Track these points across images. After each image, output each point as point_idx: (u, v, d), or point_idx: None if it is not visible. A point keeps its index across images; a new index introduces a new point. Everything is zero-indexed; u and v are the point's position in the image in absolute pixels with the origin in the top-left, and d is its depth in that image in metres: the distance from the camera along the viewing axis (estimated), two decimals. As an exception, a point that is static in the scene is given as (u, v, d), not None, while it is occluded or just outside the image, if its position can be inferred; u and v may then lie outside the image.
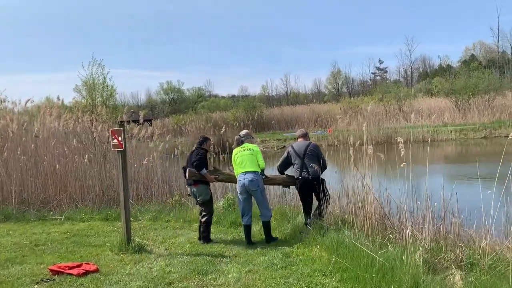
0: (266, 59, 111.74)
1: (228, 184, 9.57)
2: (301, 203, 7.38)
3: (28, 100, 13.03)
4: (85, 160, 10.50)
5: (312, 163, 6.87)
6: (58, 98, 14.67)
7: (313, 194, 7.03)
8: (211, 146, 8.94)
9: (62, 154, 10.93)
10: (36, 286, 4.95)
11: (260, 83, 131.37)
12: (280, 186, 8.48)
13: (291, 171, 7.30)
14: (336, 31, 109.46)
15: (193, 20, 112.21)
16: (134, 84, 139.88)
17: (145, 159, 11.08)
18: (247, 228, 6.61)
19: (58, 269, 5.30)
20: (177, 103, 68.67)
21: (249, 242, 6.53)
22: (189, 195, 7.33)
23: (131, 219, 6.83)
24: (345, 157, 7.68)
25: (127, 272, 5.30)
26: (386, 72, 77.22)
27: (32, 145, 10.76)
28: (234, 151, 6.85)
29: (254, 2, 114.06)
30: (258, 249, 6.21)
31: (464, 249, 4.78)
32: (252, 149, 6.72)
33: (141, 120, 14.04)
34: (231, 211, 8.41)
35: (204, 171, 6.71)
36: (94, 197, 10.09)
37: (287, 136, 30.28)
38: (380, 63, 76.88)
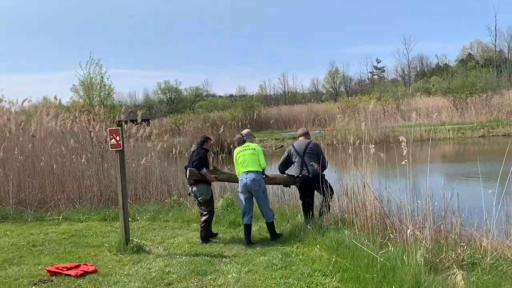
0: (263, 59, 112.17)
1: (226, 183, 9.54)
2: (300, 203, 7.36)
3: (25, 99, 12.98)
4: (83, 160, 10.45)
5: (312, 161, 6.88)
6: (55, 97, 14.67)
7: (314, 193, 7.00)
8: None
9: (60, 154, 10.88)
10: (33, 287, 4.91)
11: (257, 83, 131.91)
12: (280, 186, 8.46)
13: (291, 171, 7.29)
14: (334, 30, 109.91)
15: (193, 20, 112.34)
16: (132, 83, 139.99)
17: (143, 159, 11.04)
18: (247, 228, 6.58)
19: (56, 270, 5.26)
20: (174, 103, 68.62)
21: (249, 242, 6.49)
22: (189, 194, 7.30)
23: (129, 219, 6.80)
24: (344, 156, 7.66)
25: (125, 272, 5.26)
26: (383, 71, 77.42)
27: (30, 145, 10.70)
28: (236, 151, 6.83)
29: (253, 2, 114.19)
30: (258, 249, 6.17)
31: (466, 249, 4.75)
32: (254, 149, 6.71)
33: (139, 120, 13.98)
34: (230, 211, 8.38)
35: (204, 170, 6.69)
36: (92, 197, 10.03)
37: (285, 136, 30.25)
38: (378, 62, 77.11)
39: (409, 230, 5.02)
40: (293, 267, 5.20)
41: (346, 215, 6.75)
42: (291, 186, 7.73)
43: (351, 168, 7.05)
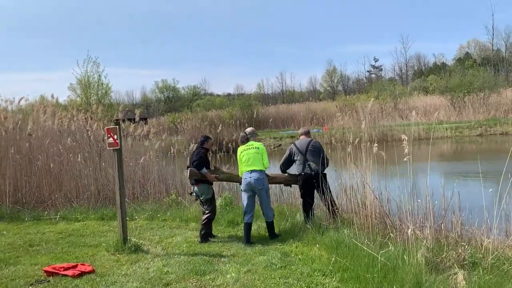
0: (261, 57, 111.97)
1: (225, 183, 9.48)
2: (300, 201, 7.33)
3: (22, 98, 12.87)
4: (80, 159, 10.38)
5: (314, 159, 6.86)
6: (52, 96, 14.59)
7: (314, 192, 6.97)
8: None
9: (57, 153, 10.82)
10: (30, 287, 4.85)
11: (255, 81, 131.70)
12: (279, 185, 8.42)
13: (291, 171, 7.26)
14: (332, 29, 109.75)
15: (193, 20, 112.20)
16: (130, 82, 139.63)
17: (141, 158, 10.98)
18: (248, 226, 6.54)
19: (53, 270, 5.21)
20: (172, 102, 68.42)
21: (248, 240, 6.45)
22: (191, 193, 7.27)
23: (127, 218, 6.75)
24: (342, 155, 7.62)
25: (123, 272, 5.21)
26: (381, 70, 77.47)
27: (26, 144, 10.63)
28: (240, 149, 6.80)
29: (253, 2, 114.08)
30: (257, 248, 6.13)
31: (466, 248, 4.72)
32: (258, 148, 6.70)
33: (137, 118, 13.91)
34: (229, 210, 8.34)
35: (204, 170, 6.65)
36: (89, 196, 9.98)
37: (283, 135, 30.24)
38: (375, 61, 77.11)
39: (409, 229, 4.98)
40: (292, 267, 5.16)
41: (345, 214, 6.72)
42: (292, 185, 7.69)
43: (350, 167, 7.02)
